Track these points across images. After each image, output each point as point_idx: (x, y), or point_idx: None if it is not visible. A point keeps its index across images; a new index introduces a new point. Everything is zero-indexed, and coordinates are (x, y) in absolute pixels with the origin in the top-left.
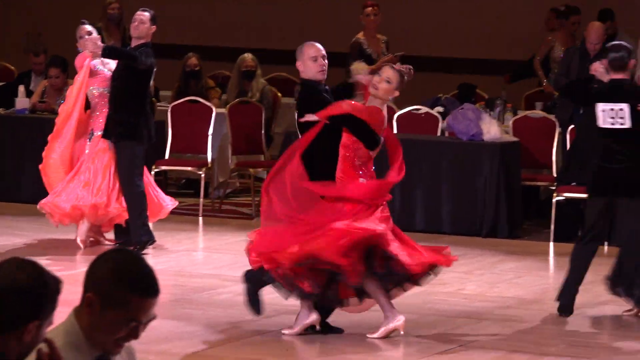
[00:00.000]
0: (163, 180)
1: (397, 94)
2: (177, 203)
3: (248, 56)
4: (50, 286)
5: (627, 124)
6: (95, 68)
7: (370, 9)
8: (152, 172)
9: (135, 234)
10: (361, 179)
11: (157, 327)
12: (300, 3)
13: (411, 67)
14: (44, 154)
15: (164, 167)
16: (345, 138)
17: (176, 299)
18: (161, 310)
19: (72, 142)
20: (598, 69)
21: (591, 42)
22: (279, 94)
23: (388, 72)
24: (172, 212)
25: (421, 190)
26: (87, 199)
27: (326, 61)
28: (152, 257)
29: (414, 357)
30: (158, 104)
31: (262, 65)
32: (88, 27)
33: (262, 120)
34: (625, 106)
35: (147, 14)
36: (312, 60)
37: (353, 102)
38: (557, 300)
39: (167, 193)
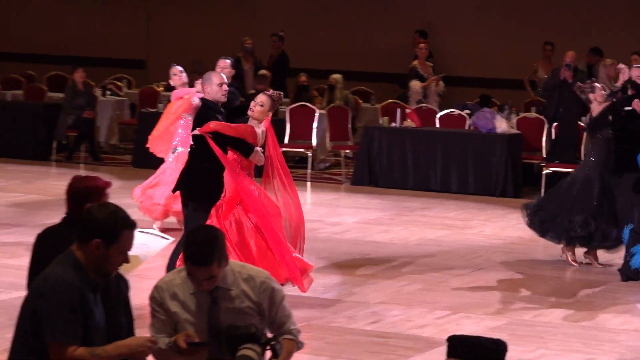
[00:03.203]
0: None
1: (269, 114)
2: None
3: (335, 76)
4: (118, 220)
5: None
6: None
7: (422, 45)
8: None
9: None
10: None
11: None
12: (367, 35)
13: (281, 93)
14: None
15: (284, 149)
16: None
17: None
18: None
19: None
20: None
21: (565, 62)
22: (360, 101)
23: (261, 98)
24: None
25: (455, 166)
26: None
27: (227, 87)
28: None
29: (449, 276)
30: (280, 107)
31: (349, 81)
32: (179, 68)
33: (349, 118)
34: None
35: (228, 61)
36: (218, 86)
37: (220, 122)
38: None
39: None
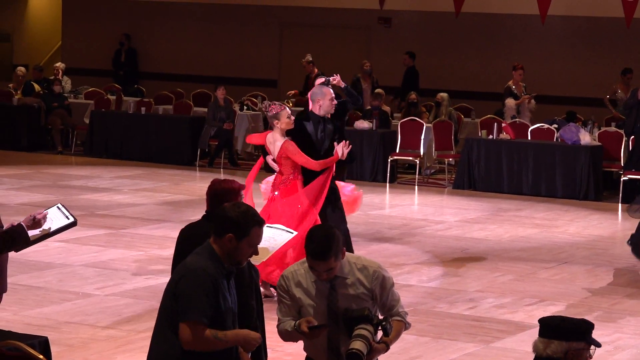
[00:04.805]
0: (394, 165)
1: (277, 125)
2: None
3: (442, 94)
4: (248, 218)
5: None
6: None
7: (520, 70)
8: (389, 160)
9: None
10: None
11: (389, 249)
12: (475, 61)
13: (269, 103)
14: None
15: (395, 157)
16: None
17: (404, 232)
18: (397, 236)
19: None
20: None
21: None
22: (462, 116)
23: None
24: (401, 182)
25: (544, 173)
26: None
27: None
28: (389, 208)
29: (537, 268)
30: (393, 121)
31: (453, 99)
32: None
33: (452, 130)
34: None
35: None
36: (330, 100)
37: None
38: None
39: (398, 172)
